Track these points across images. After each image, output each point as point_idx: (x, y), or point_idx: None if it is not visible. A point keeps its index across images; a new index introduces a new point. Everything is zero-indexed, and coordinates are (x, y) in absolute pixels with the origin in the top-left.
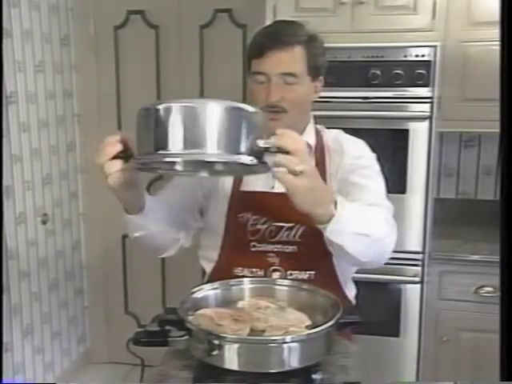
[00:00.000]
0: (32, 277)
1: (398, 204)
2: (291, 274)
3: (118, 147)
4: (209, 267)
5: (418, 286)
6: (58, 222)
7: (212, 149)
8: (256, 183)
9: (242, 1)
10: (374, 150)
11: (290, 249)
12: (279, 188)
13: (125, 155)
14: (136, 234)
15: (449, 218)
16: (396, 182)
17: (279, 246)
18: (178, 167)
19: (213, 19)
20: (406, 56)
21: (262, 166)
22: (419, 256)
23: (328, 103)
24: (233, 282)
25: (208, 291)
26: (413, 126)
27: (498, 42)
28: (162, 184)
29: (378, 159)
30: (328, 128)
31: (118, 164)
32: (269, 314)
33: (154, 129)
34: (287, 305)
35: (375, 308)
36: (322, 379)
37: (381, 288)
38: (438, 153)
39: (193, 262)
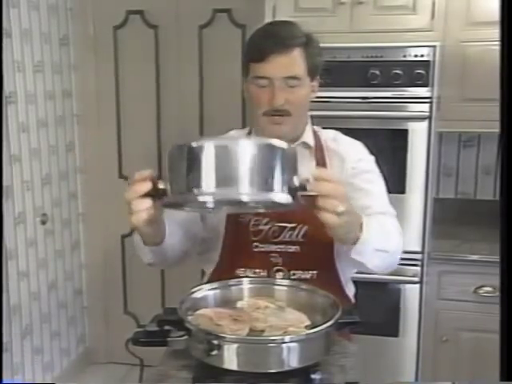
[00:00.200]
0: (31, 277)
1: (398, 204)
2: (294, 274)
3: (148, 186)
4: (209, 268)
5: (418, 285)
6: (58, 222)
7: (246, 188)
8: None
9: (241, 1)
10: (373, 150)
11: (292, 249)
12: None
13: (153, 192)
14: (151, 261)
15: (448, 217)
16: (395, 182)
17: (282, 246)
18: (210, 205)
19: (212, 19)
20: (405, 56)
21: (296, 203)
22: (418, 256)
23: (327, 103)
24: (232, 282)
25: (207, 291)
26: (412, 126)
27: (497, 42)
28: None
29: (377, 161)
30: (327, 128)
31: (146, 202)
32: (268, 314)
33: (187, 167)
34: (286, 305)
35: (374, 308)
36: (321, 379)
37: (380, 288)
38: (437, 153)
39: (192, 263)
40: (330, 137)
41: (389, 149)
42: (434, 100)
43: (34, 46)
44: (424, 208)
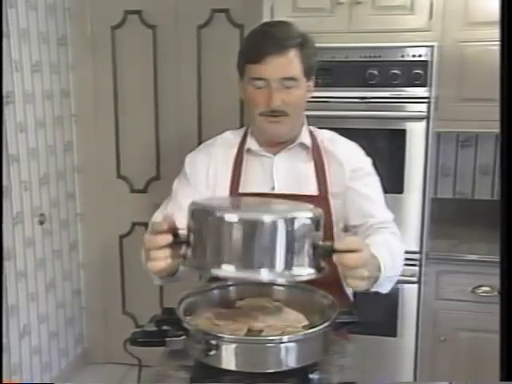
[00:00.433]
0: (29, 277)
1: (396, 204)
2: None
3: (168, 239)
4: None
5: (416, 285)
6: (56, 222)
7: (268, 268)
8: (255, 184)
9: (240, 1)
10: (371, 150)
11: None
12: (280, 189)
13: (173, 241)
14: (160, 283)
15: (446, 217)
16: (393, 182)
17: None
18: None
19: (210, 19)
20: (403, 56)
21: (321, 270)
22: (416, 256)
23: (325, 103)
24: (230, 282)
25: (206, 291)
26: (410, 126)
27: (495, 42)
28: (160, 184)
29: (373, 162)
30: (325, 128)
31: (164, 252)
32: (266, 314)
33: (210, 237)
34: (285, 305)
35: (372, 308)
36: (320, 379)
37: None
38: (435, 153)
39: None
40: (326, 137)
41: (387, 149)
42: (432, 100)
43: (32, 45)
44: (422, 208)
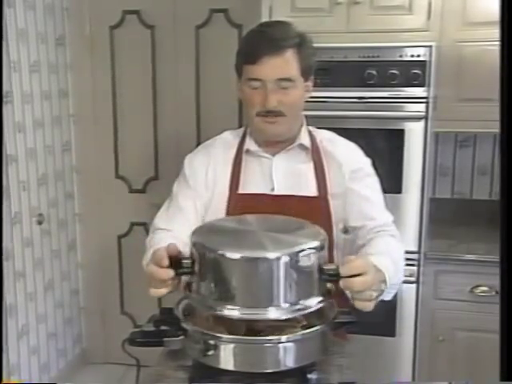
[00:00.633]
0: (27, 277)
1: (394, 204)
2: None
3: (170, 274)
4: None
5: (414, 285)
6: (54, 223)
7: (273, 306)
8: (255, 185)
9: (238, 1)
10: (369, 150)
11: None
12: (279, 189)
13: (175, 272)
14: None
15: (444, 217)
16: (392, 182)
17: None
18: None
19: (208, 19)
20: (401, 56)
21: (331, 293)
22: (415, 256)
23: (324, 103)
24: None
25: None
26: (408, 126)
27: (493, 42)
28: (159, 184)
29: (373, 162)
30: (323, 128)
31: (166, 284)
32: None
33: (214, 275)
34: None
35: None
36: (318, 379)
37: None
38: (434, 153)
39: None
40: (325, 137)
41: (385, 149)
42: (431, 100)
43: (30, 45)
44: (420, 208)
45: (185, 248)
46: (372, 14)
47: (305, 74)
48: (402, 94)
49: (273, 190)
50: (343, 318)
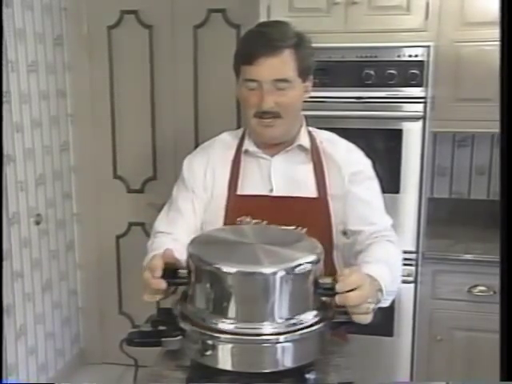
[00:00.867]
0: (25, 277)
1: (392, 204)
2: None
3: (163, 285)
4: None
5: (412, 285)
6: (52, 223)
7: (269, 321)
8: (253, 186)
9: (236, 1)
10: (367, 150)
11: None
12: (278, 191)
13: (171, 282)
14: None
15: (442, 217)
16: (390, 182)
17: None
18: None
19: (207, 19)
20: (399, 56)
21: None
22: (413, 256)
23: (322, 103)
24: None
25: None
26: (406, 126)
27: (490, 43)
28: (157, 184)
29: (373, 164)
30: (321, 129)
31: (159, 292)
32: None
33: (208, 286)
34: None
35: None
36: (316, 379)
37: None
38: (432, 153)
39: None
40: (325, 138)
41: (383, 149)
42: (429, 100)
43: (28, 45)
44: (418, 208)
45: (185, 251)
46: (370, 14)
47: (303, 75)
48: (400, 94)
49: (271, 191)
50: (341, 318)
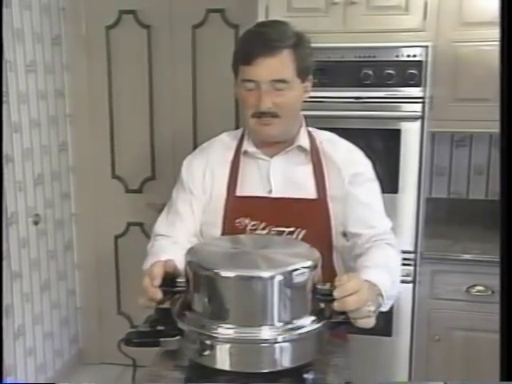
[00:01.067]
0: (24, 277)
1: (390, 204)
2: None
3: (158, 295)
4: None
5: (410, 285)
6: (50, 223)
7: (268, 325)
8: (252, 187)
9: (235, 1)
10: (366, 150)
11: None
12: (277, 192)
13: (170, 290)
14: None
15: (440, 217)
16: (388, 182)
17: None
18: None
19: (205, 19)
20: (397, 56)
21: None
22: (411, 256)
23: (320, 103)
24: None
25: None
26: (405, 126)
27: (489, 43)
28: (155, 184)
29: (373, 164)
30: (320, 128)
31: (155, 302)
32: None
33: (207, 293)
34: None
35: None
36: (314, 379)
37: None
38: (430, 153)
39: None
40: (325, 138)
41: (381, 149)
42: (427, 100)
43: (27, 45)
44: (417, 208)
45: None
46: (368, 14)
47: (302, 75)
48: (399, 94)
49: (270, 192)
50: (339, 318)
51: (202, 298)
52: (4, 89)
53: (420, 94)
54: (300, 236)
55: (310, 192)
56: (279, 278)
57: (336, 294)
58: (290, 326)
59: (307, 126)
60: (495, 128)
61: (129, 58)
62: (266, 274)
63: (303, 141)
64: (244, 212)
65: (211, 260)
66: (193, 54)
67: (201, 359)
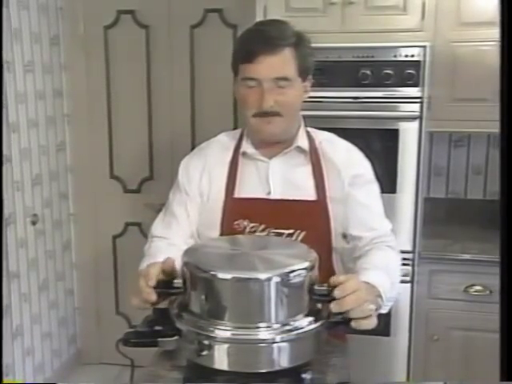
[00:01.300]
0: (22, 277)
1: (389, 203)
2: None
3: (152, 297)
4: None
5: (409, 285)
6: (48, 223)
7: (265, 325)
8: (251, 189)
9: (233, 1)
10: (364, 150)
11: None
12: (276, 194)
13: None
14: None
15: (439, 217)
16: (386, 182)
17: None
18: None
19: (203, 19)
20: (395, 56)
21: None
22: (409, 255)
23: (318, 103)
24: None
25: None
26: (403, 126)
27: (487, 43)
28: (153, 184)
29: (372, 165)
30: (318, 128)
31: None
32: None
33: (204, 294)
34: None
35: None
36: (312, 379)
37: None
38: (428, 152)
39: None
40: (324, 139)
41: (380, 148)
42: (425, 100)
43: (24, 45)
44: (415, 207)
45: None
46: (366, 14)
47: (302, 74)
48: (397, 93)
49: (269, 193)
50: (337, 318)
51: (200, 298)
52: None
53: (418, 94)
54: (299, 238)
55: (309, 193)
56: (276, 279)
57: (337, 293)
58: (287, 328)
59: (306, 126)
60: (493, 128)
61: (127, 58)
62: (263, 276)
63: (302, 141)
64: (242, 214)
65: (208, 261)
66: (191, 54)
67: (199, 359)
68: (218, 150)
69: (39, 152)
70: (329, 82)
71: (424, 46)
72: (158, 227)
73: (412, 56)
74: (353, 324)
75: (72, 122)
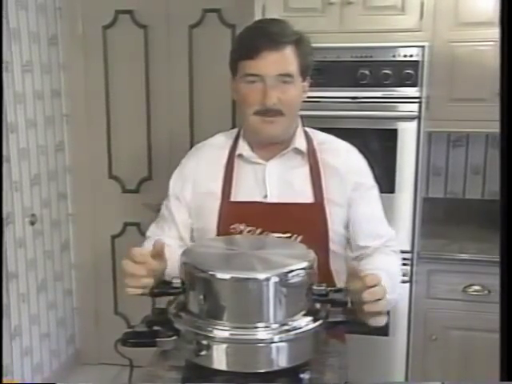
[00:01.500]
0: (20, 278)
1: (387, 203)
2: None
3: (150, 282)
4: None
5: (407, 285)
6: (47, 223)
7: (263, 326)
8: (247, 192)
9: (231, 1)
10: (362, 150)
11: None
12: (272, 197)
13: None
14: None
15: (437, 217)
16: (385, 182)
17: None
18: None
19: (202, 19)
20: (394, 56)
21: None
22: (408, 255)
23: (317, 103)
24: None
25: None
26: (401, 126)
27: (485, 43)
28: (152, 184)
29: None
30: (316, 129)
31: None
32: None
33: (202, 294)
34: None
35: None
36: (310, 379)
37: None
38: (427, 152)
39: None
40: (322, 140)
41: (378, 148)
42: (423, 100)
43: (23, 45)
44: (413, 207)
45: (173, 254)
46: (365, 14)
47: (303, 73)
48: (395, 93)
49: (266, 197)
50: (336, 318)
51: (198, 298)
52: None
53: (416, 94)
54: (297, 241)
55: (306, 196)
56: (275, 279)
57: (367, 297)
58: (285, 327)
59: (304, 126)
60: (492, 128)
61: (125, 57)
62: (261, 276)
63: (299, 143)
64: (239, 218)
65: (207, 261)
66: (189, 54)
67: (197, 359)
68: (213, 151)
69: (38, 152)
70: (327, 82)
71: (422, 46)
72: (152, 230)
73: (410, 56)
74: (364, 322)
75: (70, 122)
